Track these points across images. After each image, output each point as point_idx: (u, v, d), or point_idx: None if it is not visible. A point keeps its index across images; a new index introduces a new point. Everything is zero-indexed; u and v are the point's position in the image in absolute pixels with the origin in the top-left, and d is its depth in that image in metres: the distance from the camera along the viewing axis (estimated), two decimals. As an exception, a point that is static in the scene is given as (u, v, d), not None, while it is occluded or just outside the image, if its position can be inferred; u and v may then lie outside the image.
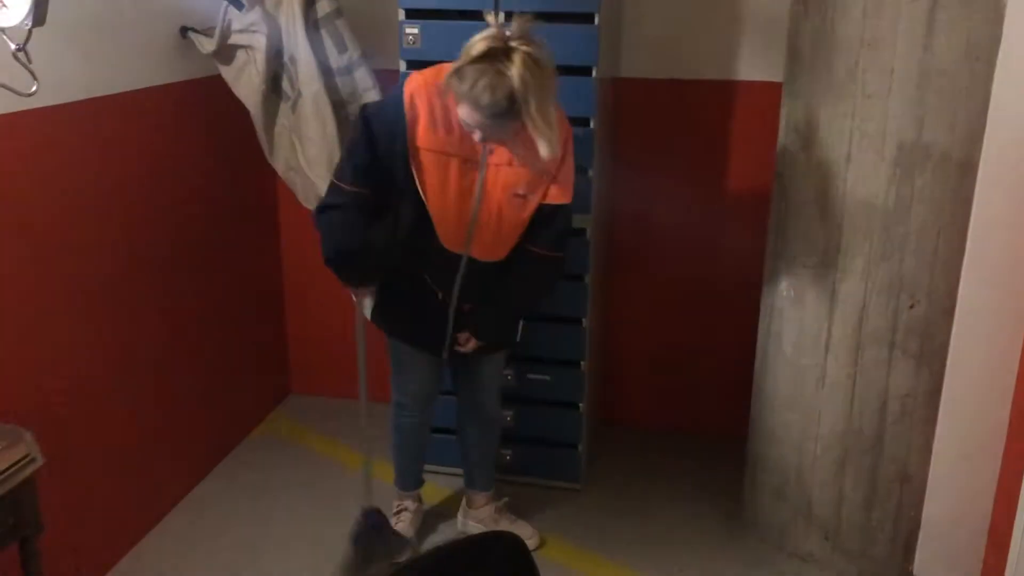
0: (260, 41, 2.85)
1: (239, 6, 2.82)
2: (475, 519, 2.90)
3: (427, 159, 2.29)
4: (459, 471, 3.17)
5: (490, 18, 2.17)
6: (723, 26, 3.10)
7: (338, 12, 2.94)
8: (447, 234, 2.37)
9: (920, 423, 2.52)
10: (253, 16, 2.84)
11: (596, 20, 2.69)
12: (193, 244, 3.04)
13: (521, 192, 2.32)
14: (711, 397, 3.47)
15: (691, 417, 3.52)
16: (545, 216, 2.38)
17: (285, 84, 2.93)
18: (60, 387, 2.45)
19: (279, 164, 3.07)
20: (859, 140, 2.37)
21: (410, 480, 2.92)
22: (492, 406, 2.79)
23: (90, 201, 2.53)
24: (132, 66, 2.67)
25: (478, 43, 2.08)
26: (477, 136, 2.19)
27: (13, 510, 1.92)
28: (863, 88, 2.33)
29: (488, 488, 2.91)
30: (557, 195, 2.36)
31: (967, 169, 2.31)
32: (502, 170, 2.30)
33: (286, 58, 2.90)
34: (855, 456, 2.60)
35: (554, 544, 2.87)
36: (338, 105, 2.93)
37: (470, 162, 2.29)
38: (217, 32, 2.84)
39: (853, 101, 2.36)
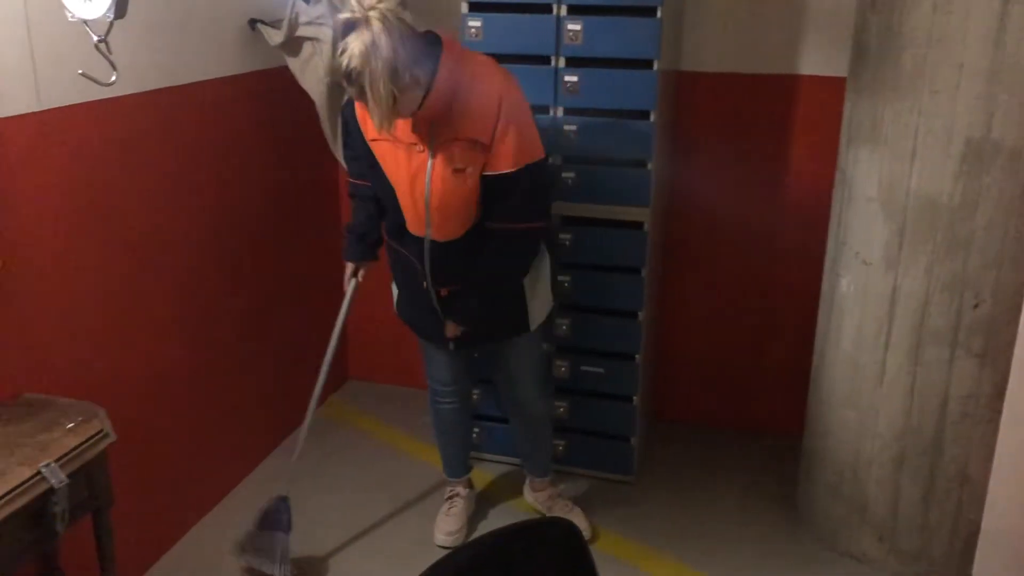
0: (326, 33, 2.91)
1: (307, -1, 2.88)
2: (535, 500, 2.96)
3: (380, 149, 2.36)
4: (507, 459, 3.23)
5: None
6: (786, 20, 3.07)
7: (403, 5, 2.97)
8: (410, 219, 2.40)
9: (982, 424, 2.48)
10: (320, 8, 2.89)
11: (658, 13, 2.68)
12: (259, 230, 3.12)
13: (459, 166, 2.26)
14: (767, 393, 3.45)
15: (746, 413, 3.50)
16: (492, 188, 2.30)
17: (350, 76, 2.98)
18: (132, 368, 2.54)
19: (342, 154, 3.13)
20: (925, 136, 2.34)
21: (457, 467, 2.97)
22: (528, 398, 2.76)
23: (163, 188, 2.61)
24: (203, 57, 2.75)
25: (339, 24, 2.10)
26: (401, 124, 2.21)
27: (87, 483, 2.00)
28: (930, 84, 2.30)
29: (542, 475, 2.94)
30: (496, 164, 2.26)
31: (1037, 167, 2.26)
32: (442, 148, 2.26)
33: (351, 50, 2.94)
34: (913, 456, 2.57)
35: (605, 536, 2.88)
36: (401, 96, 2.97)
37: (416, 145, 2.28)
38: (285, 24, 2.90)
39: (920, 97, 2.33)
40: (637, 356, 2.99)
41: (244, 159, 3.01)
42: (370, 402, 3.72)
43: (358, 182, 2.55)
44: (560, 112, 2.84)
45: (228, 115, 2.90)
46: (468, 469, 3.01)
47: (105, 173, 2.38)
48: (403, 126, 2.25)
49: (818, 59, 3.07)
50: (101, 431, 2.04)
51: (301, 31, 2.93)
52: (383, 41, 2.02)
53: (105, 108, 2.32)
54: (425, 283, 2.48)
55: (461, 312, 2.48)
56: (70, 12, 1.85)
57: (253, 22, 2.95)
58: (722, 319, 3.43)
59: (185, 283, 2.75)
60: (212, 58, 2.80)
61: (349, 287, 2.77)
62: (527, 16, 2.79)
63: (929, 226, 2.38)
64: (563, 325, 3.01)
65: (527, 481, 3.00)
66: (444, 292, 2.47)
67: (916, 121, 2.35)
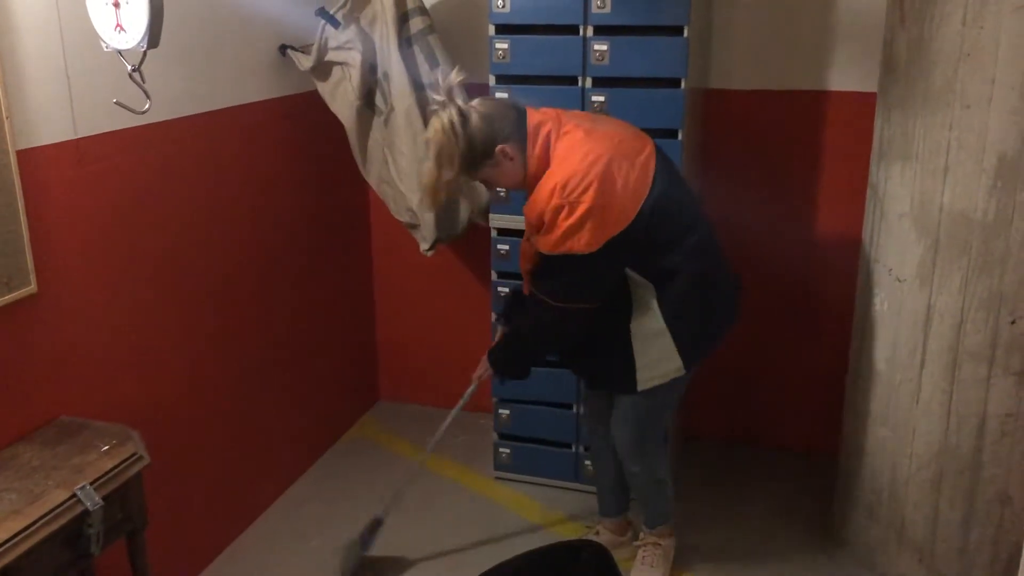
0: (355, 58, 2.95)
1: (335, 24, 2.92)
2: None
3: None
4: (538, 479, 3.22)
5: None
6: (814, 36, 3.06)
7: (430, 28, 3.01)
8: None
9: (1022, 443, 2.43)
10: (349, 34, 2.93)
11: (685, 32, 2.68)
12: (290, 254, 3.15)
13: (529, 235, 2.46)
14: (799, 411, 3.41)
15: (777, 432, 3.46)
16: (537, 259, 2.45)
17: (379, 99, 3.02)
18: (166, 391, 2.57)
19: (372, 177, 3.16)
20: (957, 152, 2.31)
21: (602, 504, 2.87)
22: (622, 454, 2.64)
23: (196, 212, 2.65)
24: (234, 83, 2.79)
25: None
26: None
27: (121, 505, 2.03)
28: (962, 99, 2.27)
29: (651, 525, 2.76)
30: (538, 244, 2.38)
31: (1073, 181, 2.23)
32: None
33: (380, 74, 2.99)
34: (951, 475, 2.52)
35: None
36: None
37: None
38: (314, 50, 2.94)
39: (951, 112, 2.30)
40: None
41: (276, 182, 3.04)
42: (400, 423, 3.73)
43: None
44: (588, 132, 2.84)
45: (260, 139, 2.94)
46: (620, 511, 2.87)
47: (139, 199, 2.42)
48: None
49: (848, 75, 3.05)
50: (135, 454, 2.06)
51: (330, 56, 2.97)
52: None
53: (139, 135, 2.37)
54: None
55: (493, 351, 2.67)
56: (105, 43, 1.89)
57: (283, 48, 2.99)
58: (754, 336, 3.40)
59: (218, 306, 2.78)
60: (243, 84, 2.84)
61: None
62: (554, 38, 2.80)
63: (963, 242, 2.35)
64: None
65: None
66: (498, 334, 2.78)
67: (948, 136, 2.32)
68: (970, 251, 2.35)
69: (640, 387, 2.45)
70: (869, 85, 2.78)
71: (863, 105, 2.84)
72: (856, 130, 2.95)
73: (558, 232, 2.25)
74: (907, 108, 2.42)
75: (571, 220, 2.23)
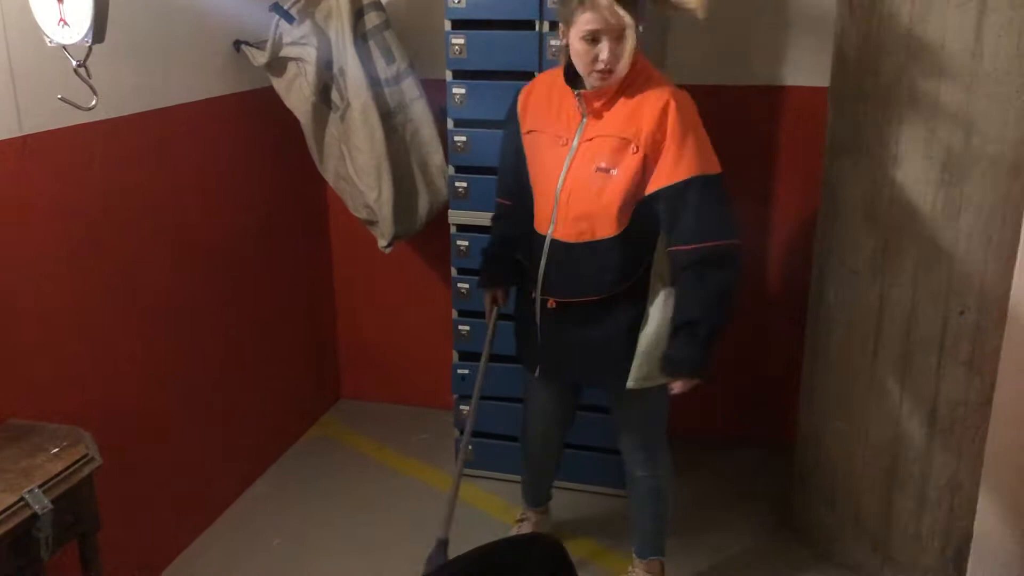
0: (310, 53, 2.92)
1: (290, 20, 2.89)
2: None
3: (529, 141, 2.32)
4: (499, 475, 3.21)
5: None
6: (769, 32, 3.09)
7: (386, 24, 3.00)
8: (539, 215, 2.27)
9: (971, 431, 2.48)
10: (303, 29, 2.91)
11: (639, 28, 2.69)
12: (246, 252, 3.12)
13: (603, 165, 2.12)
14: (759, 404, 3.45)
15: (737, 425, 3.49)
16: (668, 203, 2.10)
17: (334, 95, 3.00)
18: (119, 390, 2.54)
19: (329, 173, 3.14)
20: (906, 145, 2.35)
21: (535, 496, 2.84)
22: (628, 458, 2.48)
23: (147, 210, 2.61)
24: (187, 79, 2.76)
25: None
26: (604, 55, 2.03)
27: (72, 508, 1.99)
28: (910, 92, 2.31)
29: (640, 553, 2.58)
30: (669, 172, 2.08)
31: (1018, 172, 2.27)
32: (589, 145, 2.16)
33: (335, 70, 2.97)
34: (904, 464, 2.56)
35: (599, 550, 2.87)
36: (386, 115, 2.99)
37: (563, 138, 2.20)
38: (269, 45, 2.92)
39: (899, 106, 2.34)
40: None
41: (231, 179, 3.01)
42: (363, 421, 3.71)
43: (503, 201, 2.51)
44: (545, 127, 2.85)
45: (214, 136, 2.91)
46: (546, 499, 2.88)
47: (90, 197, 2.38)
48: (563, 115, 2.21)
49: (801, 70, 3.09)
50: (87, 455, 2.03)
51: (285, 51, 2.95)
52: None
53: (87, 132, 2.33)
54: (532, 292, 2.32)
55: (674, 356, 2.20)
56: (48, 38, 1.86)
57: (238, 43, 2.96)
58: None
59: (173, 304, 2.75)
60: (197, 80, 2.81)
61: (491, 318, 2.57)
62: (510, 33, 2.80)
63: (912, 235, 2.39)
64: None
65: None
66: (552, 303, 2.26)
67: (897, 130, 2.36)
68: (919, 243, 2.39)
69: (631, 383, 2.27)
70: (822, 80, 2.81)
71: (817, 100, 2.87)
72: (810, 124, 2.99)
73: (685, 154, 2.07)
74: (857, 102, 2.45)
75: (700, 132, 2.11)
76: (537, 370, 2.41)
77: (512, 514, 2.99)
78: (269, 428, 3.36)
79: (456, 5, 2.80)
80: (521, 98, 2.35)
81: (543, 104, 2.29)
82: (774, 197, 3.23)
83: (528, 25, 2.78)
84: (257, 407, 3.25)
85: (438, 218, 3.18)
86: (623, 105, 2.13)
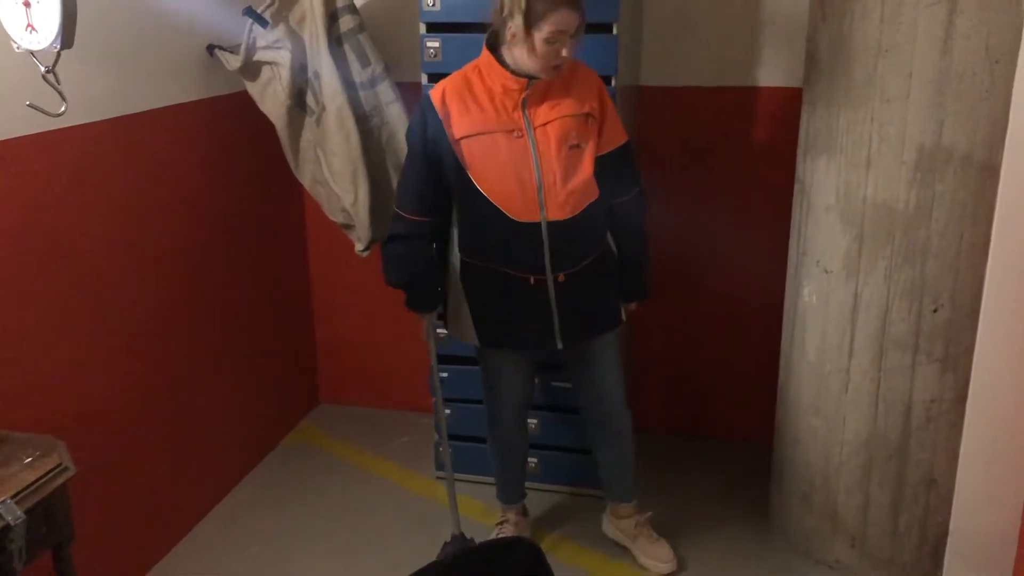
0: (284, 57, 2.91)
1: (263, 23, 2.88)
2: (619, 529, 2.84)
3: (470, 147, 2.32)
4: (483, 479, 3.21)
5: None
6: (743, 33, 3.11)
7: (360, 27, 2.99)
8: (518, 208, 2.33)
9: (946, 428, 2.50)
10: (277, 33, 2.89)
11: (615, 29, 2.70)
12: (221, 257, 3.10)
13: (575, 142, 2.33)
14: (737, 403, 3.46)
15: (717, 424, 3.51)
16: (614, 163, 2.41)
17: (309, 99, 2.99)
18: (94, 398, 2.51)
19: (305, 178, 3.13)
20: (878, 145, 2.36)
21: (512, 493, 2.89)
22: (616, 409, 2.66)
23: (120, 216, 2.59)
24: (160, 84, 2.74)
25: None
26: (565, 51, 2.22)
27: (46, 518, 1.96)
28: (882, 92, 2.33)
29: (627, 498, 2.82)
30: (613, 137, 2.41)
31: (989, 172, 2.29)
32: (549, 128, 2.31)
33: (310, 73, 2.95)
34: (881, 462, 2.58)
35: (580, 551, 2.87)
36: (361, 118, 2.98)
37: (515, 131, 2.31)
38: (242, 49, 2.90)
39: (872, 106, 2.35)
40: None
41: (206, 184, 2.99)
42: (342, 426, 3.69)
43: (421, 219, 2.44)
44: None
45: (188, 141, 2.89)
46: (523, 496, 2.92)
47: (60, 204, 2.36)
48: (502, 111, 2.31)
49: (775, 71, 3.11)
50: (60, 465, 2.00)
51: (259, 55, 2.93)
52: None
53: (57, 139, 2.31)
54: (533, 278, 2.40)
55: (633, 284, 2.60)
56: (16, 43, 1.84)
57: (211, 48, 2.94)
58: (690, 330, 3.45)
59: (148, 311, 2.72)
60: (169, 85, 2.79)
61: (432, 342, 2.69)
62: (483, 36, 2.79)
63: (886, 233, 2.41)
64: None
65: (608, 511, 2.88)
66: (561, 277, 2.40)
67: (870, 129, 2.37)
68: (893, 242, 2.40)
69: (624, 316, 2.59)
70: (795, 80, 2.83)
71: (791, 100, 2.89)
72: (784, 125, 3.01)
73: (616, 116, 2.42)
74: (830, 103, 2.46)
75: (611, 104, 2.42)
76: (558, 342, 2.48)
77: (490, 516, 2.99)
78: (246, 434, 3.33)
79: (431, 8, 2.80)
80: (437, 108, 2.33)
81: (469, 106, 2.32)
82: (749, 197, 3.25)
83: (503, 28, 2.77)
84: (234, 413, 3.23)
85: (415, 221, 3.16)
86: (559, 85, 2.33)
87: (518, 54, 2.26)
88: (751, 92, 3.16)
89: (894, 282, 2.43)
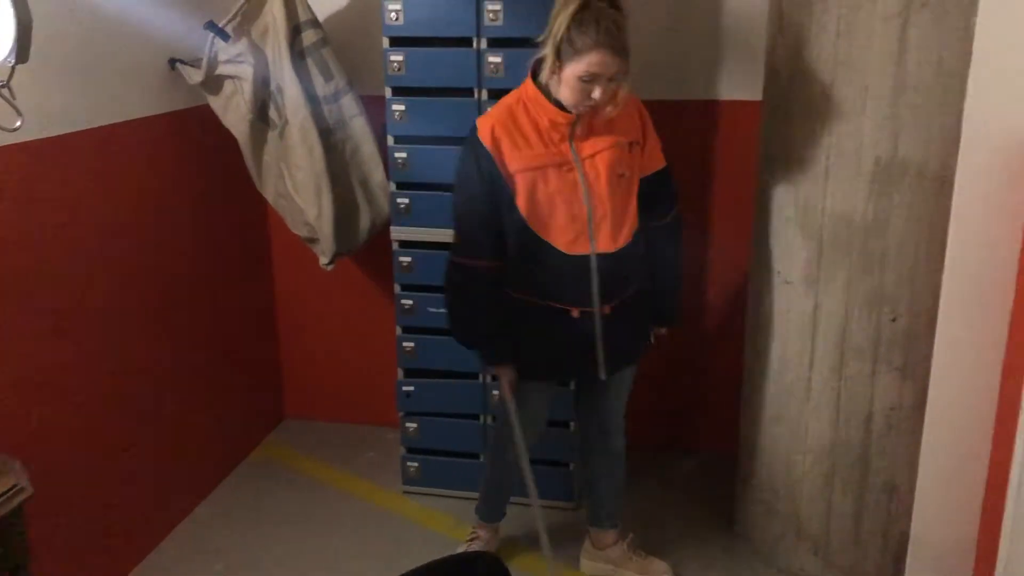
0: (247, 71, 2.90)
1: (225, 37, 2.86)
2: (605, 560, 2.79)
3: (523, 181, 2.27)
4: (445, 492, 3.20)
5: None
6: (703, 47, 3.14)
7: (323, 41, 2.99)
8: (568, 241, 2.31)
9: (906, 435, 2.54)
10: (240, 47, 2.88)
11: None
12: (185, 272, 3.07)
13: (621, 171, 2.31)
14: (703, 413, 3.48)
15: (683, 434, 3.53)
16: (653, 186, 2.42)
17: (272, 113, 2.98)
18: (53, 416, 2.47)
19: (268, 192, 3.11)
20: (836, 157, 2.40)
21: (497, 512, 2.88)
22: (618, 428, 2.67)
23: (81, 232, 2.56)
24: (121, 98, 2.71)
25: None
26: (596, 94, 2.15)
27: (1, 540, 1.93)
28: (839, 106, 2.37)
29: (616, 525, 2.79)
30: (653, 162, 2.41)
31: (943, 183, 2.34)
32: (598, 159, 2.28)
33: (273, 87, 2.94)
34: (843, 470, 2.61)
35: (542, 561, 2.86)
36: (325, 132, 2.98)
37: (564, 164, 2.27)
38: (204, 63, 2.88)
39: (829, 119, 2.39)
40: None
41: (168, 199, 2.97)
42: (308, 441, 3.66)
43: (489, 263, 2.34)
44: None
45: (150, 156, 2.86)
46: (504, 515, 2.92)
47: (17, 220, 2.33)
48: (551, 144, 2.27)
49: (736, 84, 3.14)
50: (16, 485, 1.96)
51: (221, 69, 2.91)
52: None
53: (12, 153, 2.27)
54: (577, 311, 2.36)
55: (667, 312, 2.57)
56: (-30, 58, 1.81)
57: (172, 61, 2.93)
58: (658, 342, 3.45)
59: (107, 328, 2.69)
60: (130, 99, 2.76)
61: (513, 399, 2.48)
62: (448, 50, 2.81)
63: (845, 244, 2.44)
64: (497, 355, 3.02)
65: (588, 544, 2.83)
66: (608, 309, 2.38)
67: (827, 142, 2.41)
68: (851, 252, 2.44)
69: (652, 341, 2.62)
70: (755, 94, 2.86)
71: (750, 113, 2.92)
72: (744, 138, 3.04)
73: (657, 140, 2.43)
74: (789, 116, 2.50)
75: (653, 128, 2.44)
76: (602, 372, 2.45)
77: (459, 531, 2.98)
78: (211, 451, 3.30)
79: (394, 22, 2.80)
80: (487, 144, 2.25)
81: (519, 141, 2.26)
82: (711, 209, 3.28)
83: (466, 42, 2.79)
84: (198, 430, 3.19)
85: (380, 235, 3.16)
86: (604, 114, 2.27)
87: (553, 84, 2.21)
88: (712, 105, 3.19)
89: (853, 292, 2.46)
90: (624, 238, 2.35)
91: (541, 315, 2.39)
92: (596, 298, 2.35)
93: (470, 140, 2.30)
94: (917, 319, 2.45)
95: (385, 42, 2.85)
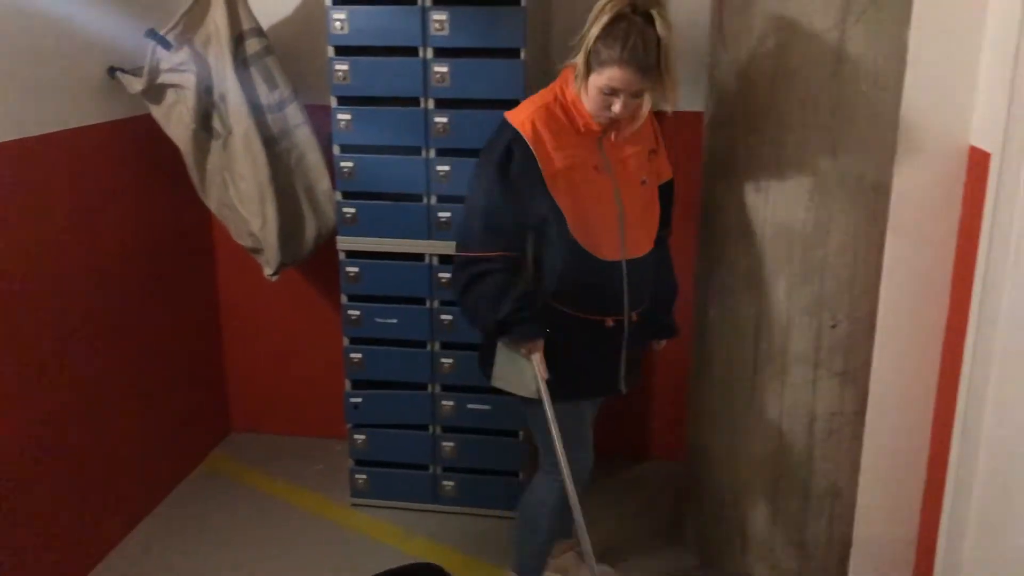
0: (189, 80, 2.86)
1: (167, 46, 2.82)
2: (555, 569, 2.76)
3: (567, 179, 2.21)
4: (392, 503, 3.17)
5: None
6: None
7: (267, 50, 2.96)
8: (603, 246, 2.26)
9: (848, 440, 2.58)
10: (182, 55, 2.84)
11: (522, 55, 2.74)
12: (128, 283, 3.02)
13: (645, 178, 2.35)
14: (652, 420, 3.51)
15: (632, 441, 3.55)
16: (666, 196, 2.45)
17: (216, 122, 2.94)
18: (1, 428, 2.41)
19: (212, 201, 3.07)
20: (776, 167, 2.44)
21: (543, 559, 2.68)
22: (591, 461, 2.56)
23: (19, 243, 2.50)
24: (57, 107, 2.66)
25: (606, 9, 2.07)
26: (616, 107, 2.13)
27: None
28: (778, 117, 2.41)
29: (568, 534, 2.78)
30: (663, 171, 2.45)
31: (880, 192, 2.39)
32: (626, 163, 2.29)
33: (216, 96, 2.91)
34: (787, 474, 2.65)
35: (494, 570, 2.86)
36: (269, 142, 2.95)
37: (599, 165, 2.25)
38: (145, 72, 2.84)
39: (769, 130, 2.43)
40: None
41: (107, 209, 2.91)
42: (255, 454, 3.61)
43: (508, 254, 2.22)
44: (432, 153, 2.86)
45: (87, 165, 2.81)
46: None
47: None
48: (585, 142, 2.24)
49: (680, 96, 3.16)
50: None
51: (163, 78, 2.87)
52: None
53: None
54: (611, 320, 2.32)
55: (668, 323, 2.54)
56: None
57: (112, 70, 2.87)
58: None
59: (46, 340, 2.63)
60: (68, 108, 2.71)
61: (544, 372, 2.29)
62: (394, 59, 2.80)
63: (786, 252, 2.48)
64: (446, 363, 3.01)
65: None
66: (635, 317, 2.37)
67: (768, 152, 2.45)
68: (792, 260, 2.48)
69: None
70: (699, 105, 2.90)
71: (694, 124, 2.96)
72: (688, 148, 3.07)
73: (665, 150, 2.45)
74: (731, 127, 2.54)
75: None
76: (623, 386, 2.43)
77: (407, 543, 2.98)
78: (155, 465, 3.23)
79: (339, 31, 2.79)
80: (528, 139, 2.17)
81: (558, 138, 2.20)
82: (659, 218, 3.30)
83: (412, 52, 2.79)
84: (142, 443, 3.13)
85: (326, 245, 3.14)
86: (628, 121, 2.26)
87: (582, 91, 2.19)
88: (658, 117, 3.21)
89: (794, 299, 2.50)
90: (650, 244, 2.38)
91: (573, 326, 2.31)
92: (626, 305, 2.33)
93: (503, 133, 2.21)
94: (857, 325, 2.50)
95: (330, 51, 2.83)
